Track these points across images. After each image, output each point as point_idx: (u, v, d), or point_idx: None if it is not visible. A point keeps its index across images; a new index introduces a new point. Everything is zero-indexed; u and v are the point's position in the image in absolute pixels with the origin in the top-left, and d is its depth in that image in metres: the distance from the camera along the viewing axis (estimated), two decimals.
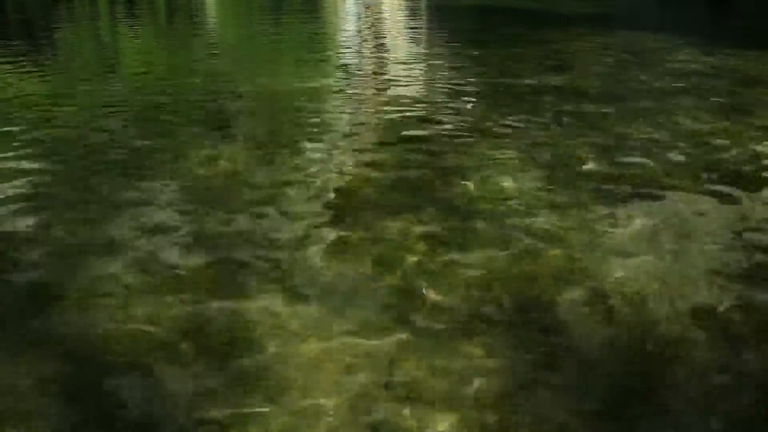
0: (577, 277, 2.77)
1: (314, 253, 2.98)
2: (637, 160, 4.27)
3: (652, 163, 4.19)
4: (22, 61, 8.13)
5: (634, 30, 11.55)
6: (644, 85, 6.67)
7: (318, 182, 3.88)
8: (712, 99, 6.05)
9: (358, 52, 9.30)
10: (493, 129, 4.99)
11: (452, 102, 5.92)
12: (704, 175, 3.98)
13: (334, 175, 4.00)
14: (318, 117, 5.42)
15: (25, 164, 4.19)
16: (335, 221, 3.34)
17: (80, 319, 2.47)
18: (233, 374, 2.14)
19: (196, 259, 2.93)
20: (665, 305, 2.56)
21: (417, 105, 5.82)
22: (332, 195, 3.68)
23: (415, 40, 10.71)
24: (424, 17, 15.11)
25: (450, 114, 5.46)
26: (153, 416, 1.95)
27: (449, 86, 6.63)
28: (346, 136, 4.87)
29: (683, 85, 6.66)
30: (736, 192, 3.73)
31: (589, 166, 4.16)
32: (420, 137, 4.79)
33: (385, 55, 8.94)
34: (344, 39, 10.99)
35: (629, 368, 2.19)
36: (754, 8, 15.47)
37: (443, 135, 4.84)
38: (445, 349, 2.28)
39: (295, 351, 2.26)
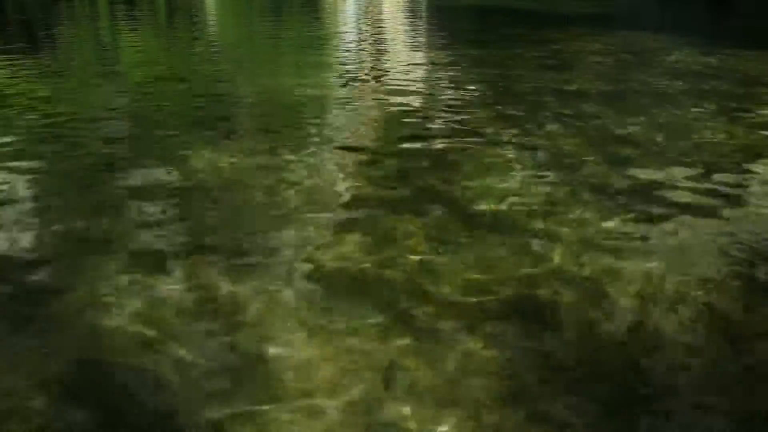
0: (577, 277, 2.77)
1: (314, 253, 2.98)
2: (637, 160, 4.27)
3: (651, 163, 4.19)
4: (22, 61, 8.13)
5: (634, 30, 11.55)
6: (644, 85, 6.67)
7: (318, 183, 3.88)
8: (711, 99, 6.05)
9: (358, 52, 9.30)
10: (493, 129, 4.99)
11: (452, 101, 5.92)
12: (703, 175, 3.98)
13: (334, 175, 4.00)
14: (318, 118, 5.42)
15: (25, 164, 4.18)
16: (336, 221, 3.34)
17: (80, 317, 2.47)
18: (233, 362, 2.15)
19: (194, 259, 2.93)
20: (665, 305, 2.56)
21: (417, 105, 5.82)
22: (333, 195, 3.68)
23: (415, 40, 10.72)
24: (424, 17, 15.11)
25: (450, 114, 5.46)
26: None
27: (449, 86, 6.63)
28: (346, 136, 4.86)
29: (683, 85, 6.67)
30: (736, 192, 3.73)
31: (589, 166, 4.16)
32: (420, 137, 4.79)
33: (385, 55, 8.94)
34: (344, 39, 10.99)
35: (629, 368, 2.20)
36: (754, 8, 15.47)
37: (443, 135, 4.84)
38: (446, 347, 2.28)
39: (295, 346, 2.26)
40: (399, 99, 6.04)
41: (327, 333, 2.37)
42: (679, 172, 4.03)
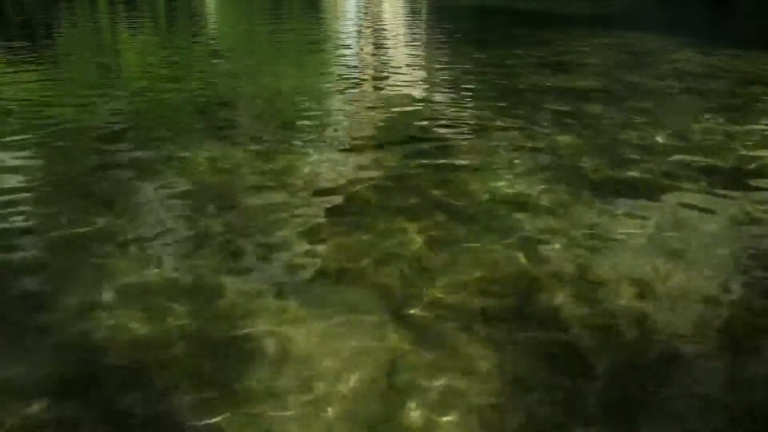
0: (576, 276, 2.77)
1: (314, 254, 2.98)
2: (637, 159, 4.28)
3: (651, 163, 4.19)
4: (22, 61, 8.13)
5: (634, 30, 11.56)
6: (644, 85, 6.67)
7: (318, 183, 3.88)
8: (711, 99, 6.05)
9: (359, 52, 9.30)
10: (493, 129, 4.99)
11: (452, 102, 5.92)
12: (703, 175, 3.98)
13: (335, 175, 4.00)
14: (318, 118, 5.42)
15: (25, 164, 4.18)
16: (336, 221, 3.34)
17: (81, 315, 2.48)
18: (234, 358, 2.15)
19: (196, 259, 2.93)
20: (665, 304, 2.56)
21: (417, 105, 5.82)
22: (333, 195, 3.68)
23: (415, 40, 10.72)
24: (424, 17, 15.12)
25: (450, 114, 5.46)
26: None
27: (449, 86, 6.63)
28: (346, 136, 4.86)
29: (683, 85, 6.67)
30: (735, 192, 3.73)
31: (589, 165, 4.16)
32: (420, 137, 4.79)
33: (385, 55, 8.94)
34: (344, 39, 10.99)
35: (629, 367, 2.20)
36: (754, 8, 15.48)
37: (443, 135, 4.84)
38: (444, 346, 2.28)
39: (296, 341, 2.27)
40: (399, 99, 6.04)
41: (325, 328, 2.38)
42: (679, 172, 4.03)
